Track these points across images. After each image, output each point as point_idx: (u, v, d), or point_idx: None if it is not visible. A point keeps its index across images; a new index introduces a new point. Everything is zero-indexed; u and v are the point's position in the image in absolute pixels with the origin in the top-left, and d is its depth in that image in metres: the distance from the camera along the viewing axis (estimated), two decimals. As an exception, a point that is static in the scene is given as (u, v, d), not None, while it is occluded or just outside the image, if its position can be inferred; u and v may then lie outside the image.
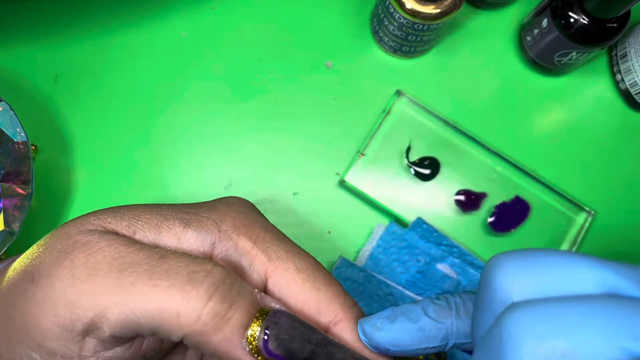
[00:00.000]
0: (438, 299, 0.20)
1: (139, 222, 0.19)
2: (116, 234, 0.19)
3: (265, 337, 0.17)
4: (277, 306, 0.18)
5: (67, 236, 0.19)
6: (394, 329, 0.19)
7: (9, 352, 0.18)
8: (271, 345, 0.17)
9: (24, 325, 0.18)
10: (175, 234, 0.19)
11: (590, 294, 0.14)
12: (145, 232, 0.19)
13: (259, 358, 0.17)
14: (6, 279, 0.20)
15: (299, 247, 0.21)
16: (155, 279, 0.17)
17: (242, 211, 0.21)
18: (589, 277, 0.15)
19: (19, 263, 0.20)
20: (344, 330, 0.20)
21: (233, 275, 0.18)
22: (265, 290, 0.20)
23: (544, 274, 0.15)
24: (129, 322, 0.17)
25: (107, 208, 0.20)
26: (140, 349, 0.19)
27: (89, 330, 0.17)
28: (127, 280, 0.17)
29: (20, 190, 0.32)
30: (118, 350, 0.18)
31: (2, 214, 0.31)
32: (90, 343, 0.18)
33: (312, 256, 0.21)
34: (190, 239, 0.19)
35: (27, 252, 0.20)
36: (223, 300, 0.17)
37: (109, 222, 0.19)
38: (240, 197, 0.23)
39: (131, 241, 0.18)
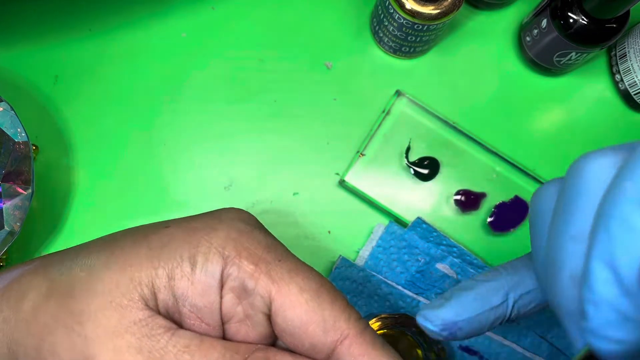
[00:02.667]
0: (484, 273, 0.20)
1: (157, 280, 0.19)
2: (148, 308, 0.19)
3: None
4: None
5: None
6: (453, 303, 0.19)
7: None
8: None
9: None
10: (187, 279, 0.19)
11: None
12: (161, 291, 0.19)
13: None
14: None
15: (303, 264, 0.21)
16: None
17: (242, 230, 0.21)
18: None
19: None
20: (352, 346, 0.20)
21: None
22: (270, 312, 0.20)
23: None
24: None
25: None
26: None
27: None
28: None
29: (20, 190, 0.32)
30: None
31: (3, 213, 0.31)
32: None
33: (316, 272, 0.21)
34: (201, 279, 0.19)
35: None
36: None
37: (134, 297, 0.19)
38: (240, 211, 0.22)
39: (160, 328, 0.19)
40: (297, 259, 0.21)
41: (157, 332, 0.18)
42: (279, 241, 0.22)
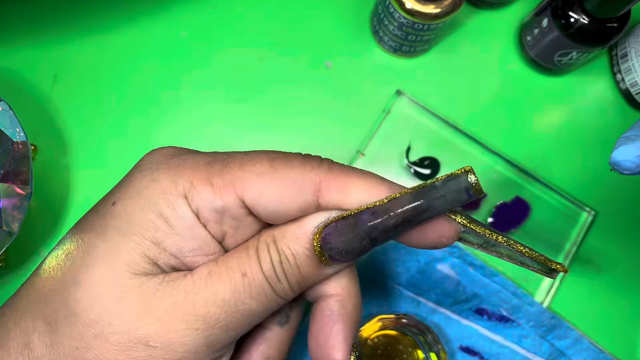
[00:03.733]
0: None
1: (148, 252, 0.20)
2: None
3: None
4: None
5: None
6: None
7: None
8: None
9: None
10: (172, 234, 0.20)
11: None
12: (158, 258, 0.20)
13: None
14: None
15: (247, 152, 0.21)
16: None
17: (178, 164, 0.21)
18: None
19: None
20: (330, 185, 0.20)
21: None
22: (250, 210, 0.20)
23: None
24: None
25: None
26: None
27: None
28: None
29: (19, 190, 0.32)
30: None
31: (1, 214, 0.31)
32: None
33: (261, 151, 0.21)
34: (182, 225, 0.20)
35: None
36: None
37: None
38: (155, 151, 0.22)
39: None
40: (238, 152, 0.21)
41: (179, 280, 0.19)
42: (212, 152, 0.22)
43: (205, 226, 0.20)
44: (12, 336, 0.19)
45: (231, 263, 0.20)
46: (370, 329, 0.33)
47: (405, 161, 0.38)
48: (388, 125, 0.39)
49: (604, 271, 0.39)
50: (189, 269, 0.20)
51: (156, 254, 0.19)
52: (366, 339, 0.33)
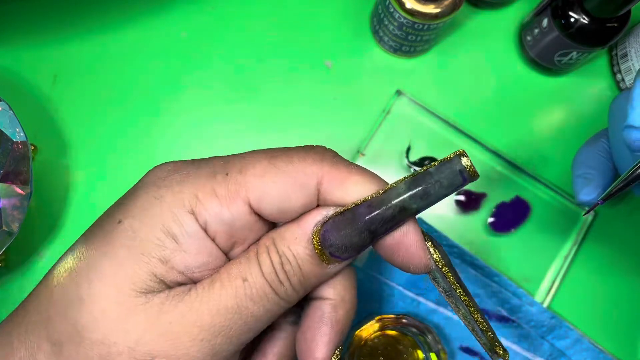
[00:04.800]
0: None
1: (156, 270, 0.19)
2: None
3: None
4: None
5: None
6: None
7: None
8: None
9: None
10: (179, 251, 0.19)
11: None
12: (165, 276, 0.19)
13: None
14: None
15: (243, 155, 0.21)
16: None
17: (180, 178, 0.20)
18: None
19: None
20: (332, 181, 0.20)
21: None
22: (256, 214, 0.20)
23: None
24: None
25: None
26: None
27: None
28: None
29: (19, 190, 0.32)
30: None
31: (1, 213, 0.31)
32: None
33: (260, 150, 0.21)
34: (189, 243, 0.19)
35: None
36: None
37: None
38: (159, 167, 0.22)
39: None
40: (237, 155, 0.21)
41: (183, 294, 0.19)
42: (209, 158, 0.22)
43: (214, 239, 0.20)
44: (17, 354, 0.19)
45: (232, 270, 0.20)
46: (370, 329, 0.33)
47: (405, 161, 0.38)
48: (388, 125, 0.39)
49: (604, 271, 0.39)
50: (195, 282, 0.20)
51: (163, 272, 0.19)
52: (366, 339, 0.33)
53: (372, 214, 0.19)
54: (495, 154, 0.39)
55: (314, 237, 0.20)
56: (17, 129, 0.32)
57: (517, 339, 0.36)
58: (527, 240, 0.38)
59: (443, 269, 0.20)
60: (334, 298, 0.21)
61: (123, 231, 0.20)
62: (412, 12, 0.34)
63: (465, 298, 0.20)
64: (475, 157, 0.39)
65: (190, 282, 0.20)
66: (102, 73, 0.39)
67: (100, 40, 0.39)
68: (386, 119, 0.39)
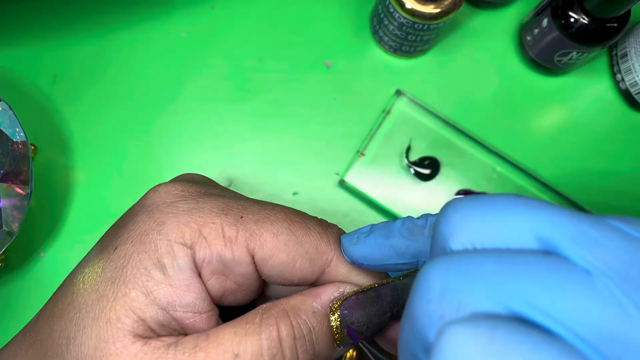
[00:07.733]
0: (419, 218, 0.20)
1: (134, 304, 0.18)
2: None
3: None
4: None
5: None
6: (367, 244, 0.20)
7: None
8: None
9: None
10: (164, 285, 0.18)
11: (521, 249, 0.14)
12: (145, 311, 0.18)
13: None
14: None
15: (263, 205, 0.20)
16: None
17: (188, 207, 0.19)
18: (525, 229, 0.14)
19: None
20: (339, 265, 0.20)
21: None
22: (255, 267, 0.20)
23: (485, 225, 0.14)
24: None
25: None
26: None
27: None
28: None
29: (19, 190, 0.32)
30: None
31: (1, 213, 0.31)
32: None
33: (280, 207, 0.21)
34: (178, 277, 0.18)
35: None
36: None
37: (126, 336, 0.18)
38: (167, 186, 0.21)
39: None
40: (254, 201, 0.21)
41: (159, 352, 0.17)
42: (226, 190, 0.21)
43: (205, 282, 0.19)
44: None
45: (223, 340, 0.18)
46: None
47: (405, 161, 0.38)
48: (388, 125, 0.39)
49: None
50: (178, 327, 0.19)
51: (143, 306, 0.18)
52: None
53: (396, 296, 0.19)
54: (495, 154, 0.39)
55: (331, 313, 0.19)
56: (17, 129, 0.32)
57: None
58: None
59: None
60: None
61: (114, 260, 0.19)
62: (412, 12, 0.34)
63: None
64: (475, 157, 0.39)
65: (174, 325, 0.18)
66: (102, 73, 0.39)
67: (100, 40, 0.39)
68: (386, 119, 0.39)
